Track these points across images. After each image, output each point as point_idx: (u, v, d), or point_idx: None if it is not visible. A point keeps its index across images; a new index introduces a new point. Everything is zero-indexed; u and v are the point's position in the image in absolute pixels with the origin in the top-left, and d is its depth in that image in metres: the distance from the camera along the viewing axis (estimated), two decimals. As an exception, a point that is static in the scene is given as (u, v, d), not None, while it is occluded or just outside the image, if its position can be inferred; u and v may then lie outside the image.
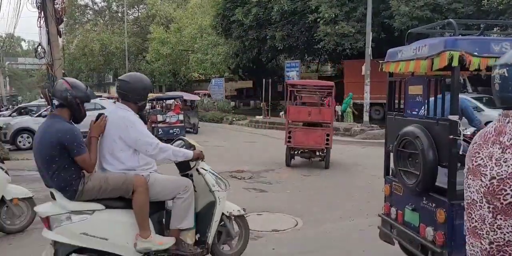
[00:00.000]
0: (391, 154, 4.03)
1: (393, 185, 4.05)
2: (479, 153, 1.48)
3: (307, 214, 6.26)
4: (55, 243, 3.44)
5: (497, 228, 1.36)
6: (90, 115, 3.72)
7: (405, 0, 16.82)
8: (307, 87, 10.46)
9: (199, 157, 3.85)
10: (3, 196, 5.15)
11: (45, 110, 14.20)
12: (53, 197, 3.46)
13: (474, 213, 1.46)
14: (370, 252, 4.71)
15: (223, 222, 4.08)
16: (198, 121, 19.99)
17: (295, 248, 4.94)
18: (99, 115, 3.61)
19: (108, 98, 23.60)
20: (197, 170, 3.93)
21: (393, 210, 4.01)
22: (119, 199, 3.54)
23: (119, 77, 3.84)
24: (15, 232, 5.28)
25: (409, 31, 4.18)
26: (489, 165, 1.41)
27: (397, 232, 3.94)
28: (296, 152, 10.12)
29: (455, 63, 3.13)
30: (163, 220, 3.84)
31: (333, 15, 18.84)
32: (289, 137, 9.66)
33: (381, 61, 4.19)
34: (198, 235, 3.91)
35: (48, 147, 3.35)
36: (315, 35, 20.46)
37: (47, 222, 3.39)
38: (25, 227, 5.34)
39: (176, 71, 39.69)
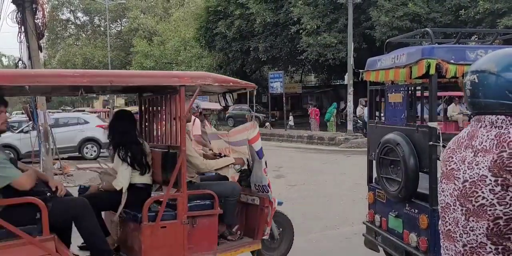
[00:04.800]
0: (374, 162, 4.07)
1: (377, 192, 4.08)
2: (452, 158, 1.51)
3: (292, 223, 6.24)
4: None
5: (469, 230, 1.39)
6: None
7: (385, 10, 17.11)
8: None
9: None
10: None
11: (26, 126, 13.88)
12: None
13: (448, 216, 1.50)
14: (356, 260, 4.72)
15: None
16: None
17: (282, 258, 4.91)
18: None
19: (92, 112, 23.22)
20: None
21: (377, 217, 4.03)
22: None
23: None
24: None
25: (387, 40, 4.25)
26: (462, 169, 1.44)
27: (382, 239, 3.96)
28: None
29: (432, 71, 3.19)
30: None
31: (315, 26, 19.08)
32: None
33: (361, 70, 4.26)
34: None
35: None
36: (298, 46, 20.68)
37: None
38: None
39: (160, 84, 39.60)
